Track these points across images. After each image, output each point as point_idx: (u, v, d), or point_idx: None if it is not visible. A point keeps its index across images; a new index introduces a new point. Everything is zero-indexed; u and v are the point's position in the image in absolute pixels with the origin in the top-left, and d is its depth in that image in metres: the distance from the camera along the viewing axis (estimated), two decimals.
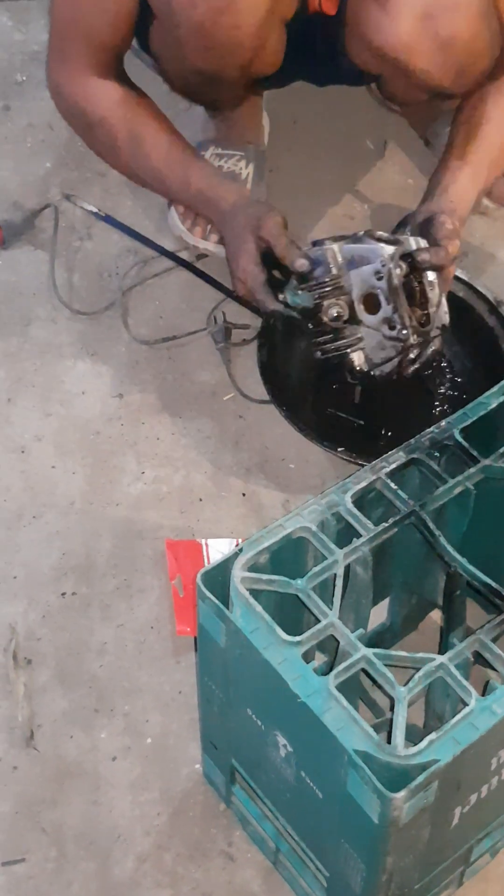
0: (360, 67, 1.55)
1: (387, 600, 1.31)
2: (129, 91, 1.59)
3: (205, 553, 1.44)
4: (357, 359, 1.45)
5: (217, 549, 1.44)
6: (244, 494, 1.52)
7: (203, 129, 1.82)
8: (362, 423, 1.54)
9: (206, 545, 1.45)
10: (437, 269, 1.44)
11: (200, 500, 1.51)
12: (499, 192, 1.81)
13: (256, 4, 1.45)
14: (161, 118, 1.60)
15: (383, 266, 1.41)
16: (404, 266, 1.42)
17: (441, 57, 1.45)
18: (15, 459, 1.54)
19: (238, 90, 1.64)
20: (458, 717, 0.97)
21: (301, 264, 1.44)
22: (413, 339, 1.42)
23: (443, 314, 1.46)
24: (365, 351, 1.45)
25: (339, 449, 1.47)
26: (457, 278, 1.58)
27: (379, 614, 1.32)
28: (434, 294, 1.43)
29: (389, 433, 1.53)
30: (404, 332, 1.42)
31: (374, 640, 1.30)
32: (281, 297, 1.46)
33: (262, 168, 1.82)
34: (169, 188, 1.62)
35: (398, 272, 1.41)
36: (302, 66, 1.68)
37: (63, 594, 1.42)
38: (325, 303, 1.43)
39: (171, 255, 1.73)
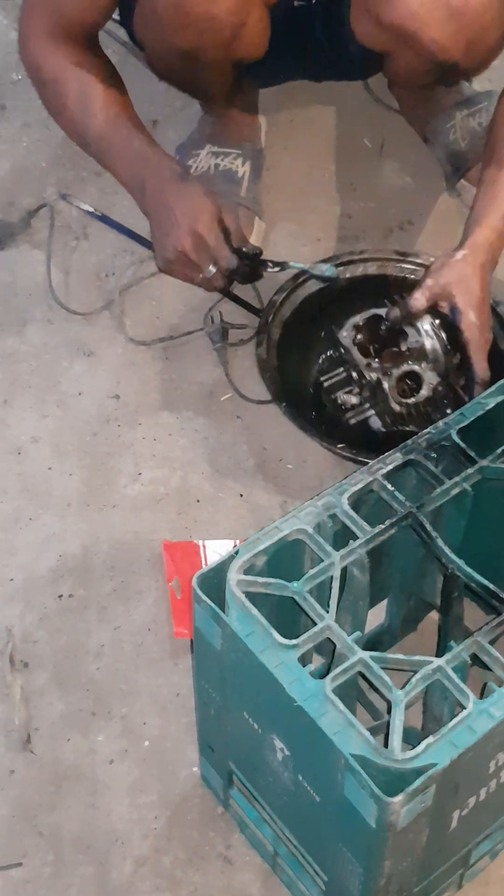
0: (367, 44, 1.53)
1: (385, 602, 1.30)
2: (90, 56, 1.56)
3: (202, 554, 1.44)
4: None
5: (214, 551, 1.44)
6: (242, 495, 1.51)
7: (199, 128, 1.81)
8: (358, 420, 1.54)
9: (204, 547, 1.44)
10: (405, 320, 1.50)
11: (198, 501, 1.50)
12: None
13: None
14: (115, 86, 1.57)
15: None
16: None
17: (451, 27, 1.43)
18: (12, 461, 1.53)
19: (224, 76, 1.61)
20: (455, 720, 0.96)
21: (251, 247, 1.49)
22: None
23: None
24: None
25: (339, 445, 1.46)
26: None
27: (377, 615, 1.31)
28: (427, 376, 1.49)
29: (386, 430, 1.52)
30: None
31: (372, 642, 1.29)
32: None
33: (260, 166, 1.81)
34: (109, 150, 1.56)
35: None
36: (299, 59, 1.66)
37: (60, 596, 1.41)
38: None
39: None
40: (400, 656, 1.01)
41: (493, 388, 1.20)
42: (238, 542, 1.43)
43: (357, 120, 1.95)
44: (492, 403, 1.18)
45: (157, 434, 1.56)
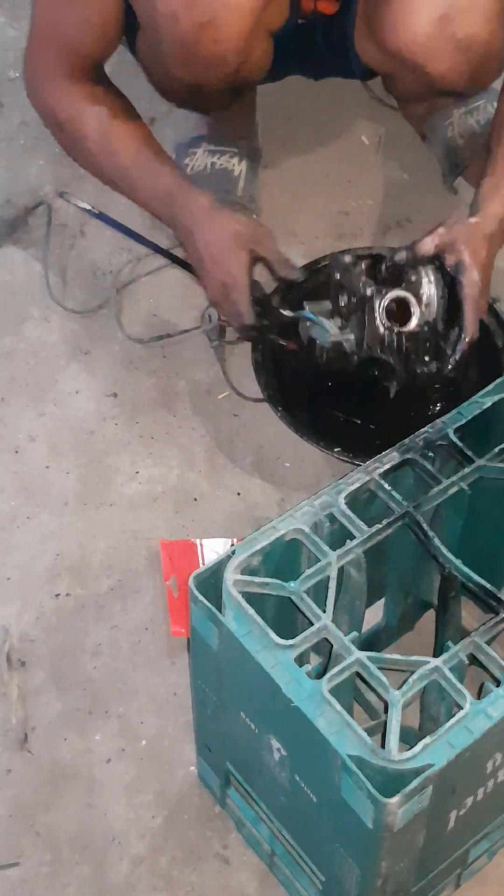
0: (370, 65, 1.53)
1: (382, 601, 1.30)
2: (103, 90, 1.54)
3: (199, 553, 1.43)
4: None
5: (212, 549, 1.43)
6: (239, 494, 1.51)
7: (196, 126, 1.80)
8: (358, 421, 1.53)
9: (201, 545, 1.44)
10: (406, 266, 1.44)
11: (195, 499, 1.50)
12: None
13: (240, 18, 1.43)
14: (133, 119, 1.55)
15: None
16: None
17: (458, 59, 1.44)
18: (9, 460, 1.53)
19: (224, 97, 1.62)
20: (452, 720, 0.96)
21: (297, 274, 1.44)
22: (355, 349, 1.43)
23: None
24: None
25: (336, 449, 1.46)
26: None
27: (375, 614, 1.31)
28: (418, 313, 1.43)
29: (383, 430, 1.51)
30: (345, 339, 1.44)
31: (369, 641, 1.29)
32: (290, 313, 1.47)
33: (256, 165, 1.81)
34: (136, 188, 1.55)
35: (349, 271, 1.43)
36: (298, 64, 1.66)
37: (57, 595, 1.41)
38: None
39: (165, 253, 1.72)
40: (397, 656, 1.01)
41: (490, 388, 1.20)
42: (235, 540, 1.42)
43: (354, 117, 1.95)
44: (489, 402, 1.18)
45: (154, 432, 1.56)
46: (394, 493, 1.11)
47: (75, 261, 1.74)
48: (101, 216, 1.76)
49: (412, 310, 1.43)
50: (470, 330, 1.43)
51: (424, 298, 1.43)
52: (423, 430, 1.15)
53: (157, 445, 1.55)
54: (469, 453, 1.14)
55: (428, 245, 1.43)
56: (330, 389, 1.55)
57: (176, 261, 1.72)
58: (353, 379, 1.46)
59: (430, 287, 1.44)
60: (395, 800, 0.92)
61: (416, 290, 1.44)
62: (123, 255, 1.74)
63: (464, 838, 1.13)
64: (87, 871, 1.22)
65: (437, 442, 1.15)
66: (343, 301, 1.43)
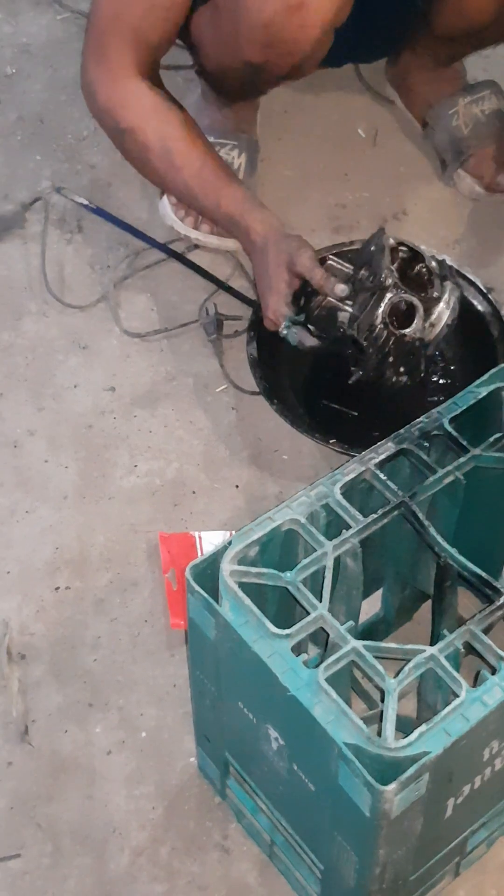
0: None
1: (380, 591, 1.30)
2: (163, 99, 1.56)
3: (198, 546, 1.44)
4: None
5: (210, 542, 1.44)
6: (237, 486, 1.51)
7: (197, 118, 1.79)
8: (355, 414, 1.54)
9: (200, 538, 1.45)
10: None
11: (193, 492, 1.51)
12: (491, 180, 1.81)
13: (326, 6, 1.43)
14: (194, 131, 1.56)
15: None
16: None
17: None
18: (7, 454, 1.54)
19: (274, 85, 1.63)
20: (448, 708, 0.96)
21: (341, 289, 1.42)
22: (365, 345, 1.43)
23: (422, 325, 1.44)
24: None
25: (331, 440, 1.46)
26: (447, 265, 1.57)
27: (373, 605, 1.31)
28: (418, 325, 1.42)
29: (382, 424, 1.51)
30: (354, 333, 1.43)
31: (367, 632, 1.29)
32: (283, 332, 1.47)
33: (255, 158, 1.81)
34: (199, 205, 1.59)
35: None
36: (330, 57, 1.66)
37: (56, 589, 1.42)
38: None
39: (162, 247, 1.73)
40: (393, 645, 1.02)
41: (485, 377, 1.20)
42: (234, 533, 1.43)
43: (351, 110, 1.95)
44: (484, 392, 1.18)
45: (152, 426, 1.57)
46: (389, 483, 1.11)
47: (73, 256, 1.74)
48: (99, 211, 1.77)
49: (415, 319, 1.42)
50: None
51: (433, 316, 1.43)
52: (418, 420, 1.16)
53: (156, 439, 1.55)
54: (464, 443, 1.14)
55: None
56: (326, 382, 1.56)
57: (173, 255, 1.72)
58: (331, 353, 1.47)
59: (444, 308, 1.44)
60: (391, 787, 0.93)
61: (430, 305, 1.44)
62: (121, 249, 1.74)
63: (462, 827, 1.13)
64: (87, 862, 1.23)
65: (432, 432, 1.15)
66: (362, 275, 1.43)
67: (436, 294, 1.43)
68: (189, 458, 1.54)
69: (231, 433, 1.56)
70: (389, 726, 0.95)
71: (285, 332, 1.47)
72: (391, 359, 1.43)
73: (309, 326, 1.45)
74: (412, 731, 0.96)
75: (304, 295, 1.46)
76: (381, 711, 0.97)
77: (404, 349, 1.42)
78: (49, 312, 1.68)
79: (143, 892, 1.21)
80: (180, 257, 1.72)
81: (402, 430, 1.15)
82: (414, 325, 1.41)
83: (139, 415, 1.58)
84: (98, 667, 1.36)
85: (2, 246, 1.75)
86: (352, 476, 1.11)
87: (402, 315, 1.42)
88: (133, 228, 1.74)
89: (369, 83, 1.95)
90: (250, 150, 1.80)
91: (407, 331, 1.41)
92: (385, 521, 1.09)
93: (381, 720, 0.97)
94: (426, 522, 1.09)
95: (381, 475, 1.12)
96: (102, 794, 1.27)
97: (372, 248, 1.44)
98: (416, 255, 1.44)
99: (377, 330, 1.41)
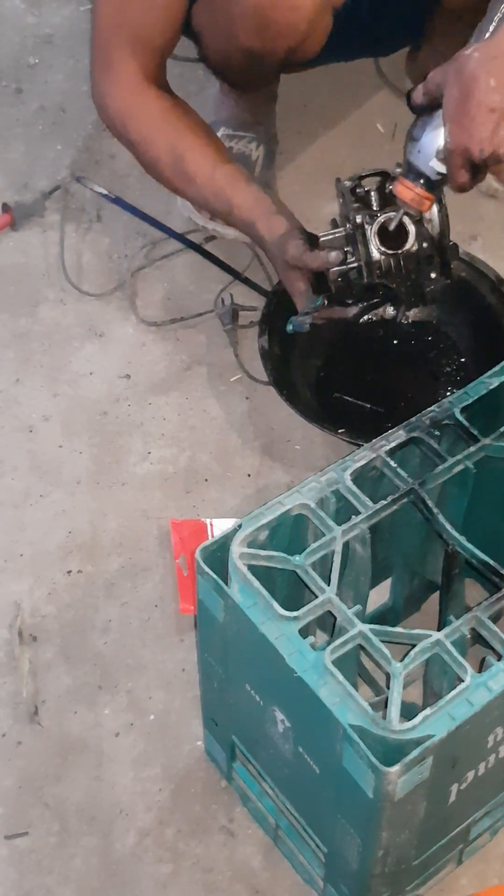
0: None
1: (389, 581, 1.31)
2: (171, 105, 1.55)
3: (209, 533, 1.45)
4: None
5: (221, 529, 1.43)
6: (249, 475, 1.52)
7: (215, 110, 1.81)
8: (367, 406, 1.55)
9: (211, 525, 1.46)
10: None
11: (206, 480, 1.52)
12: None
13: None
14: (204, 136, 1.55)
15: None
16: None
17: None
18: (22, 439, 1.55)
19: (276, 72, 1.63)
20: (453, 692, 0.97)
21: (334, 256, 1.40)
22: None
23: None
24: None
25: (340, 430, 1.47)
26: (459, 258, 1.57)
27: (382, 595, 1.32)
28: (413, 232, 1.38)
29: (392, 415, 1.52)
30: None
31: (376, 620, 1.30)
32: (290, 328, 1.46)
33: (273, 150, 1.82)
34: (214, 212, 1.59)
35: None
36: (341, 45, 1.66)
37: (69, 572, 1.43)
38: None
39: (179, 237, 1.74)
40: (399, 630, 1.03)
41: (497, 369, 1.21)
42: None
43: (370, 105, 1.96)
44: (496, 383, 1.19)
45: (166, 414, 1.58)
46: (399, 470, 1.12)
47: (91, 244, 1.75)
48: (118, 201, 1.78)
49: (407, 229, 1.38)
50: (455, 182, 1.33)
51: (426, 215, 1.39)
52: (429, 409, 1.16)
53: (169, 427, 1.57)
54: (475, 432, 1.15)
55: (418, 97, 1.35)
56: (339, 374, 1.57)
57: (190, 245, 1.73)
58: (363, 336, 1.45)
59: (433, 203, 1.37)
60: (395, 769, 0.94)
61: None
62: (139, 239, 1.76)
63: (465, 813, 1.14)
64: (94, 842, 1.24)
65: (443, 421, 1.16)
66: (346, 229, 1.41)
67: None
68: (202, 446, 1.55)
69: (244, 422, 1.57)
70: (394, 709, 0.96)
71: (309, 321, 1.45)
72: (415, 276, 1.40)
73: (336, 302, 1.42)
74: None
75: (319, 280, 1.45)
76: (387, 697, 0.98)
77: (421, 258, 1.40)
78: (66, 300, 1.69)
79: (149, 872, 1.22)
80: (197, 248, 1.73)
81: (413, 419, 1.16)
82: (411, 235, 1.38)
83: (153, 402, 1.59)
84: (108, 650, 1.37)
85: (21, 234, 1.76)
86: (362, 463, 1.12)
87: (398, 235, 1.38)
88: (151, 218, 1.76)
89: (388, 78, 1.96)
90: (268, 143, 1.81)
91: (408, 245, 1.38)
92: (394, 507, 1.10)
93: (386, 706, 0.98)
94: (435, 510, 1.10)
95: (392, 462, 1.12)
96: (110, 775, 1.29)
97: (340, 201, 1.42)
98: (384, 175, 1.41)
99: (382, 263, 1.38)
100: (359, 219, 1.38)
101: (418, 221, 1.38)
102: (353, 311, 1.43)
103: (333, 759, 0.99)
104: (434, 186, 1.37)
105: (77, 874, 1.22)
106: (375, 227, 1.38)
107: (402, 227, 1.38)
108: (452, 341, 1.61)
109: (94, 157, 1.86)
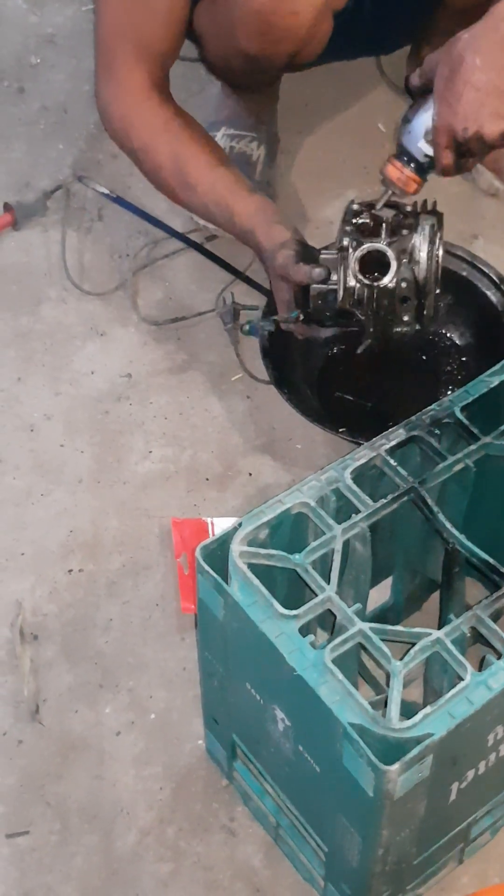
0: None
1: (390, 580, 1.31)
2: (173, 115, 1.54)
3: (210, 532, 1.45)
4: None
5: (222, 528, 1.43)
6: (251, 474, 1.52)
7: (216, 110, 1.82)
8: (368, 405, 1.55)
9: (212, 524, 1.46)
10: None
11: (207, 479, 1.52)
12: None
13: None
14: (206, 143, 1.55)
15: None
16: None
17: None
18: (24, 438, 1.55)
19: (277, 74, 1.63)
20: (453, 691, 0.97)
21: (317, 273, 1.39)
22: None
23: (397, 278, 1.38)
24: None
25: (341, 430, 1.47)
26: (459, 256, 1.57)
27: (383, 594, 1.32)
28: (394, 268, 1.37)
29: (395, 415, 1.52)
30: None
31: (376, 620, 1.30)
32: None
33: (274, 150, 1.82)
34: (215, 223, 1.58)
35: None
36: (343, 45, 1.66)
37: (70, 571, 1.43)
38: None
39: (181, 237, 1.74)
40: (399, 628, 1.03)
41: (497, 367, 1.21)
42: None
43: (371, 104, 1.96)
44: (496, 381, 1.19)
45: (167, 413, 1.58)
46: (399, 468, 1.12)
47: (93, 243, 1.76)
48: (119, 200, 1.78)
49: (389, 263, 1.37)
50: (440, 164, 1.33)
51: (415, 254, 1.37)
52: (429, 407, 1.16)
53: (171, 426, 1.57)
54: (475, 431, 1.15)
55: (414, 79, 1.35)
56: (340, 373, 1.57)
57: (192, 244, 1.73)
58: (353, 350, 1.44)
59: (421, 240, 1.37)
60: (394, 767, 0.94)
61: (404, 243, 1.37)
62: (140, 238, 1.76)
63: (466, 812, 1.14)
64: (95, 840, 1.24)
65: (443, 420, 1.16)
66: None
67: (406, 232, 1.37)
68: (203, 445, 1.55)
69: (245, 421, 1.58)
70: (394, 707, 0.96)
71: (269, 328, 1.49)
72: (388, 314, 1.39)
73: (314, 319, 1.42)
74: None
75: (305, 294, 1.44)
76: (387, 696, 0.98)
77: (396, 297, 1.38)
78: (68, 299, 1.69)
79: (150, 871, 1.23)
80: (199, 247, 1.73)
81: (413, 418, 1.16)
82: (391, 271, 1.37)
83: (155, 401, 1.59)
84: (109, 648, 1.37)
85: (23, 233, 1.76)
86: (362, 461, 1.12)
87: (380, 267, 1.37)
88: (152, 218, 1.76)
89: (390, 77, 1.96)
90: (270, 143, 1.81)
91: (386, 279, 1.37)
92: (394, 506, 1.10)
93: (386, 704, 0.98)
94: (435, 508, 1.10)
95: (392, 461, 1.12)
96: (111, 773, 1.29)
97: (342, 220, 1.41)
98: (393, 204, 1.40)
99: (357, 290, 1.38)
100: (345, 241, 1.37)
101: (404, 260, 1.37)
102: (324, 333, 1.43)
103: (333, 758, 0.99)
104: (422, 169, 1.38)
105: (78, 873, 1.22)
106: (359, 253, 1.37)
107: (386, 262, 1.37)
108: (453, 340, 1.61)
109: (96, 157, 1.87)
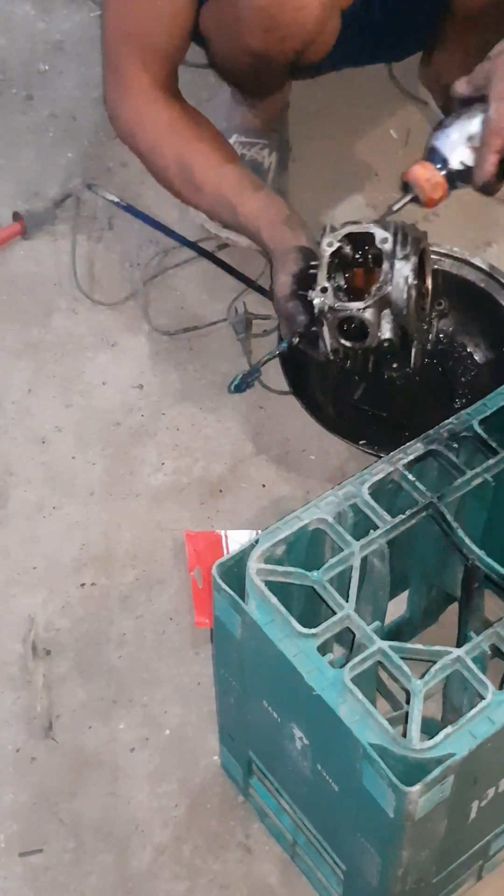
0: None
1: (406, 593, 1.30)
2: (180, 114, 1.54)
3: (224, 545, 1.44)
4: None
5: (236, 541, 1.44)
6: (264, 486, 1.51)
7: (227, 117, 1.81)
8: (384, 415, 1.53)
9: (226, 537, 1.45)
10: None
11: (220, 491, 1.51)
12: None
13: None
14: (213, 141, 1.54)
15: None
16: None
17: None
18: (35, 450, 1.54)
19: (284, 75, 1.62)
20: (474, 710, 0.96)
21: (300, 322, 1.38)
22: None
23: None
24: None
25: (361, 442, 1.46)
26: (475, 266, 1.56)
27: (399, 607, 1.31)
28: (373, 333, 1.34)
29: (411, 425, 1.51)
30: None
31: (393, 633, 1.29)
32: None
33: (286, 157, 1.81)
34: (223, 222, 1.58)
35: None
36: (352, 49, 1.65)
37: (82, 585, 1.42)
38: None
39: (192, 245, 1.73)
40: (419, 646, 1.02)
41: None
42: (260, 532, 1.42)
43: (382, 111, 1.94)
44: None
45: (180, 424, 1.57)
46: (418, 483, 1.11)
47: (103, 253, 1.74)
48: (129, 208, 1.77)
49: (368, 328, 1.33)
50: (482, 171, 1.32)
51: (397, 303, 1.32)
52: (447, 421, 1.15)
53: (183, 437, 1.56)
54: (494, 444, 1.13)
55: (461, 87, 1.34)
56: (356, 383, 1.55)
57: (203, 253, 1.72)
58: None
59: (401, 289, 1.32)
60: (416, 788, 0.93)
61: (384, 293, 1.32)
62: (151, 247, 1.75)
63: (486, 830, 1.13)
64: (109, 858, 1.23)
65: (461, 433, 1.15)
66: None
67: (381, 279, 1.32)
68: (216, 456, 1.54)
69: (258, 432, 1.56)
70: (415, 727, 0.95)
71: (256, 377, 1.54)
72: (374, 367, 1.39)
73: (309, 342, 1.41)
74: (437, 733, 0.95)
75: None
76: (406, 713, 0.97)
77: (378, 352, 1.36)
78: (78, 309, 1.68)
79: (165, 889, 1.21)
80: (210, 256, 1.72)
81: (431, 431, 1.15)
82: (371, 335, 1.34)
83: (167, 413, 1.58)
84: (122, 663, 1.36)
85: (32, 242, 1.75)
86: (380, 476, 1.11)
87: (362, 327, 1.34)
88: (163, 226, 1.75)
89: (402, 84, 1.95)
90: (281, 150, 1.80)
91: (367, 342, 1.34)
92: (413, 521, 1.09)
93: (405, 721, 0.97)
94: (454, 524, 1.09)
95: (410, 476, 1.11)
96: (125, 790, 1.27)
97: (319, 243, 1.36)
98: (363, 237, 1.34)
99: (341, 352, 1.37)
100: (318, 302, 1.32)
101: (385, 311, 1.32)
102: (322, 354, 1.40)
103: (353, 778, 0.98)
104: (453, 177, 1.35)
105: (93, 891, 1.21)
106: (335, 322, 1.34)
107: (363, 324, 1.34)
108: (469, 351, 1.59)
109: (106, 165, 1.85)
